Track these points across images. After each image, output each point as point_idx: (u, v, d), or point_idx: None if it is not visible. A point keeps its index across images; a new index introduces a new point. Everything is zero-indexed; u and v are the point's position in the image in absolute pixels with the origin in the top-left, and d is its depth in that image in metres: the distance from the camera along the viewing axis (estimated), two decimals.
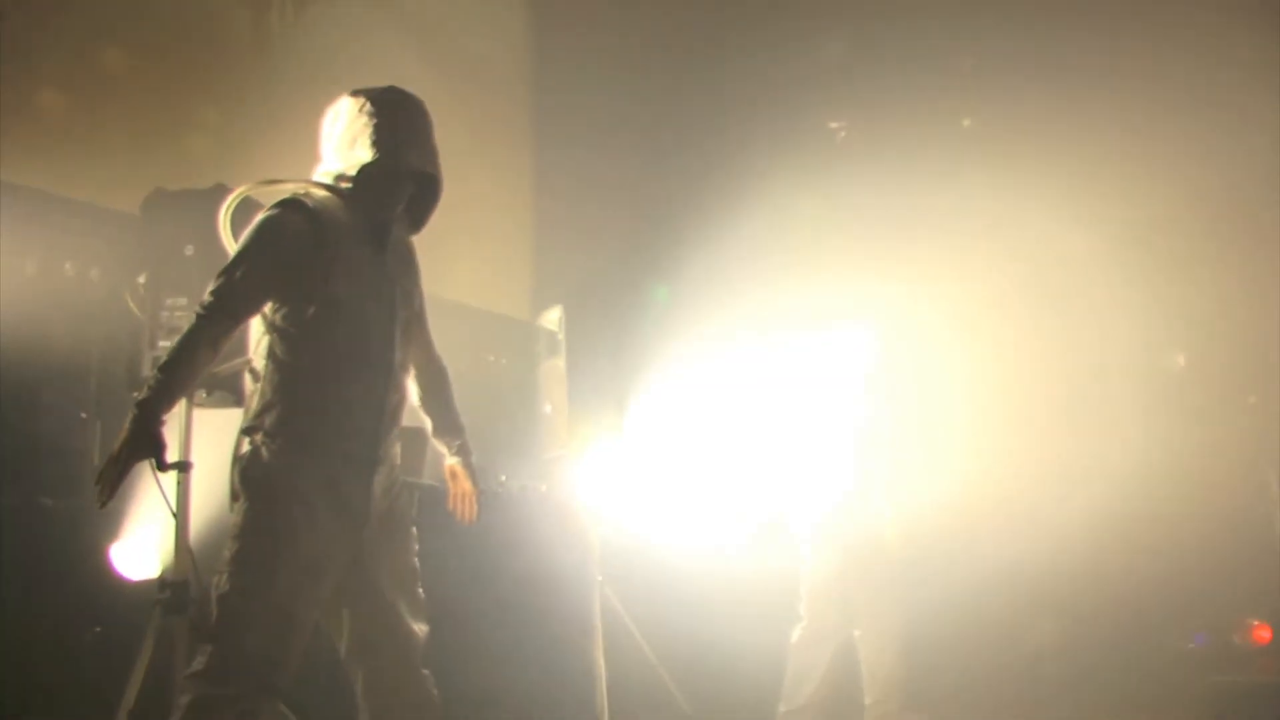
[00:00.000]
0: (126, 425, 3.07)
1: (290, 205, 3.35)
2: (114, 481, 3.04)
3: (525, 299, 8.52)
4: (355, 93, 3.52)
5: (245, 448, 3.31)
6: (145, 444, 3.07)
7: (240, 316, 3.31)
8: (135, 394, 3.15)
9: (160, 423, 3.10)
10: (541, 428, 6.25)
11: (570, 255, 8.26)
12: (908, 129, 8.15)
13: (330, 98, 3.60)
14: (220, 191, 3.96)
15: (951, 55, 8.08)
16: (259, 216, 3.36)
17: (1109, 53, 7.59)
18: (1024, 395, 7.75)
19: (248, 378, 3.48)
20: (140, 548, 5.05)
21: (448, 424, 3.83)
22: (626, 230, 8.22)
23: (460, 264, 7.04)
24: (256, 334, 3.42)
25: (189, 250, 4.44)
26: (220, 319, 3.23)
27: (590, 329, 6.17)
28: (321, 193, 3.43)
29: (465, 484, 3.82)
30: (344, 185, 3.45)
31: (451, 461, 3.84)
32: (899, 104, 8.13)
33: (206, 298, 3.23)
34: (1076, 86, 7.58)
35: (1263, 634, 7.49)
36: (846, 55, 8.40)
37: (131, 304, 4.50)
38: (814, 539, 5.84)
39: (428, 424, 3.84)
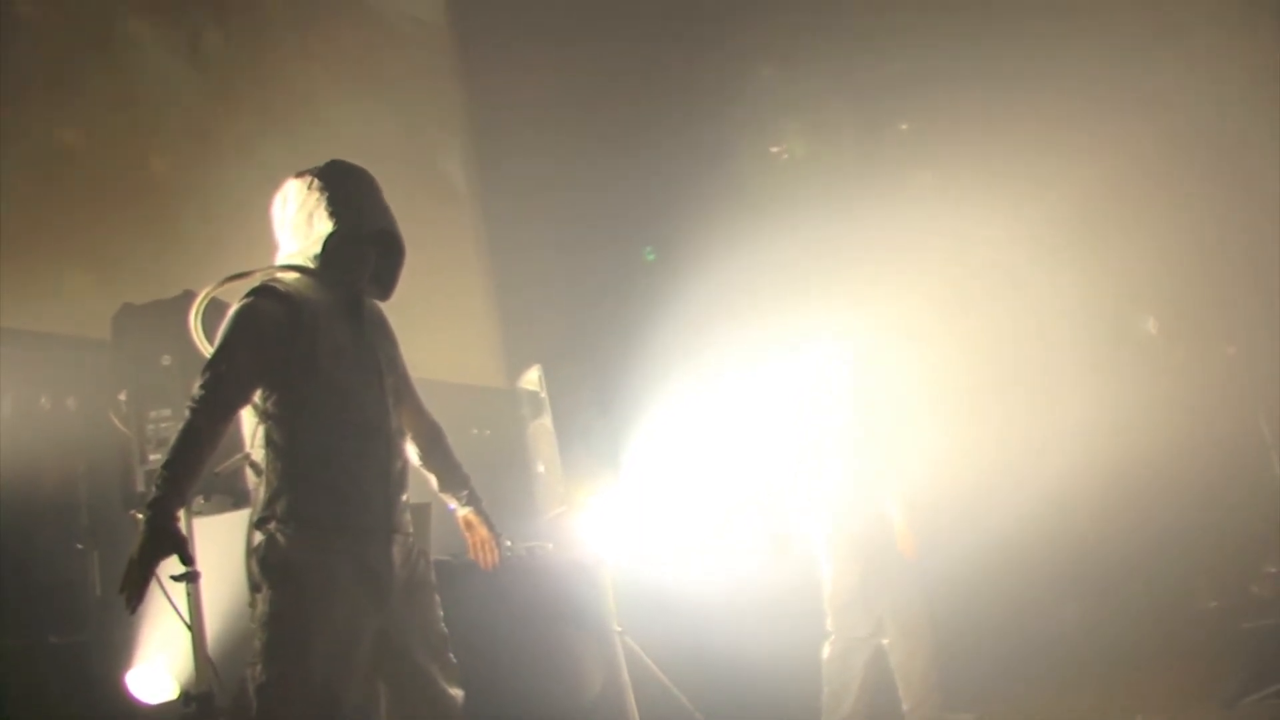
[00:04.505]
0: (142, 528, 3.04)
1: (262, 292, 3.35)
2: (139, 586, 3.01)
3: (501, 366, 8.52)
4: (300, 174, 3.55)
5: (259, 538, 3.29)
6: (165, 541, 3.05)
7: (231, 409, 3.30)
8: (132, 512, 3.11)
9: (175, 519, 3.08)
10: (538, 488, 6.21)
11: (538, 313, 8.29)
12: (846, 141, 8.26)
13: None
14: (188, 298, 3.93)
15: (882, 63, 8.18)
16: (234, 308, 3.36)
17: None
18: (1009, 382, 7.80)
19: (249, 472, 3.46)
20: (154, 671, 5.00)
21: (452, 477, 3.84)
22: (589, 280, 8.26)
23: (429, 344, 7.02)
24: (250, 426, 3.41)
25: (166, 360, 4.43)
26: (212, 411, 3.21)
27: (571, 381, 6.15)
28: (289, 275, 3.44)
29: (482, 531, 3.84)
30: (310, 262, 3.45)
31: (464, 512, 3.86)
32: (837, 118, 8.25)
33: (196, 392, 3.21)
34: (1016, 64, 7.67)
35: None
36: (775, 78, 8.52)
37: (116, 421, 4.46)
38: (829, 552, 5.84)
39: (433, 482, 3.84)
